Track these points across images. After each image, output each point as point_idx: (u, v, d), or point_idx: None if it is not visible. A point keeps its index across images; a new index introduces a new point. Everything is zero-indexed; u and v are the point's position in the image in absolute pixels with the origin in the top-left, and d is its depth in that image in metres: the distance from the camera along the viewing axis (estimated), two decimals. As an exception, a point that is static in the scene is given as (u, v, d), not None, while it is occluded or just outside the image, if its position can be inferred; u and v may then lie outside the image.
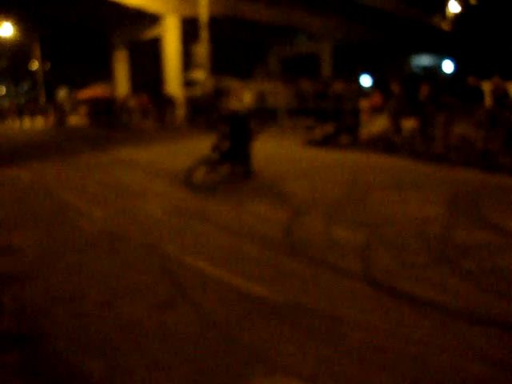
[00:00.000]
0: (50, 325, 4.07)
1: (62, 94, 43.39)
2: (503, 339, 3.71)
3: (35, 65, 42.57)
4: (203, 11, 24.75)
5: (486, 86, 14.01)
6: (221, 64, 35.42)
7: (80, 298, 4.56)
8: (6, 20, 35.03)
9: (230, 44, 41.01)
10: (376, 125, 15.96)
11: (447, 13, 56.83)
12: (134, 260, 5.54)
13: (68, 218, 7.52)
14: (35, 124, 33.27)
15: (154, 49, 33.48)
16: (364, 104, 16.81)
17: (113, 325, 4.03)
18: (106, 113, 28.33)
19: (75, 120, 32.55)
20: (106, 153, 15.26)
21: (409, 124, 14.71)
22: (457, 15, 56.97)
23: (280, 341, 3.72)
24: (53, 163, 13.27)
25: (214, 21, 26.63)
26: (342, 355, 3.51)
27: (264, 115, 20.50)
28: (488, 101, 13.81)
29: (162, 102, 26.52)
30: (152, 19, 29.80)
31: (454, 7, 56.44)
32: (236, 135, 9.80)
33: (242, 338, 3.78)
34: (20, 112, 32.59)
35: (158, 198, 8.72)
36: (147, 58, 37.16)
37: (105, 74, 41.17)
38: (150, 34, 31.83)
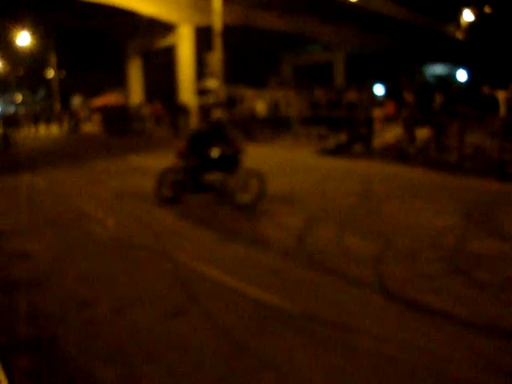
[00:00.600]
0: (62, 330, 4.09)
1: (76, 101, 43.81)
2: (518, 351, 3.67)
3: (51, 73, 43.03)
4: (217, 20, 24.87)
5: (501, 95, 13.95)
6: (234, 72, 35.58)
7: (92, 304, 4.58)
8: (23, 29, 35.48)
9: (243, 52, 41.18)
10: (389, 134, 15.92)
11: (461, 22, 56.69)
12: (147, 267, 5.56)
13: (81, 224, 7.57)
14: (50, 131, 33.61)
15: (167, 57, 33.68)
16: (377, 113, 16.78)
17: (124, 331, 4.04)
18: (119, 120, 28.52)
19: (89, 127, 32.84)
20: (120, 160, 15.36)
21: (423, 133, 14.63)
22: (471, 24, 56.79)
23: (292, 350, 3.71)
24: (67, 170, 13.38)
25: (227, 29, 26.75)
26: (355, 366, 3.48)
27: (277, 123, 20.55)
28: (502, 110, 13.75)
29: (176, 110, 26.65)
30: (166, 28, 30.00)
31: (467, 16, 56.31)
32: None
33: (254, 346, 3.77)
34: (35, 119, 32.93)
35: (171, 205, 8.73)
36: (161, 66, 37.39)
37: (119, 82, 41.50)
38: (164, 42, 32.04)
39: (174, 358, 3.64)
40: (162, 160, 15.03)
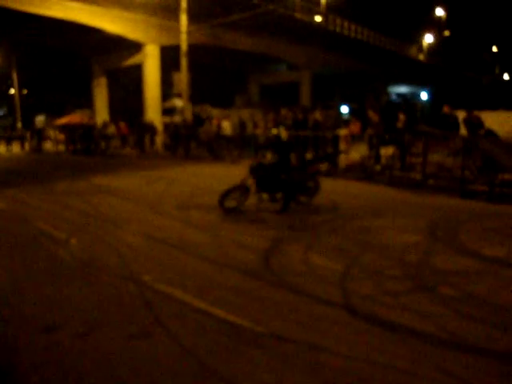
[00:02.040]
0: (22, 358, 3.96)
1: (39, 120, 43.13)
2: (482, 366, 3.71)
3: (12, 91, 42.38)
4: (183, 40, 24.98)
5: (461, 115, 14.31)
6: (201, 92, 35.66)
7: (55, 329, 4.45)
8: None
9: (210, 72, 41.39)
10: (355, 153, 16.12)
11: (423, 44, 58.36)
12: (112, 289, 5.44)
13: (44, 246, 7.38)
14: (11, 150, 32.92)
15: (133, 76, 33.59)
16: (343, 132, 16.99)
17: (88, 357, 3.93)
18: (84, 139, 28.15)
19: (53, 147, 32.30)
20: (84, 180, 15.11)
21: (387, 152, 14.88)
22: (431, 46, 58.49)
23: (258, 369, 3.67)
24: (29, 190, 13.07)
25: (194, 49, 26.88)
26: (322, 385, 3.46)
27: (244, 143, 20.60)
28: (463, 129, 14.09)
29: (142, 129, 26.50)
30: (132, 47, 29.94)
31: (428, 38, 58.06)
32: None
33: (220, 367, 3.72)
34: (-4, 138, 32.20)
35: (135, 225, 8.62)
36: (127, 85, 37.24)
37: (84, 100, 41.12)
38: (130, 61, 31.93)
39: (139, 381, 3.55)
40: (126, 180, 14.91)
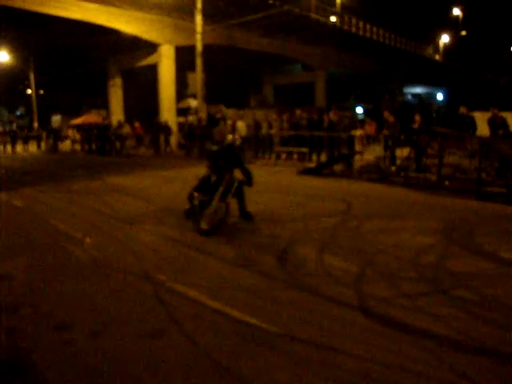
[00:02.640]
0: (39, 354, 4.00)
1: (55, 120, 43.55)
2: (498, 370, 3.67)
3: (29, 91, 42.81)
4: (198, 40, 25.06)
5: (480, 116, 14.23)
6: (216, 92, 35.74)
7: (70, 327, 4.48)
8: (1, 46, 35.36)
9: (225, 72, 41.48)
10: (370, 154, 16.06)
11: (439, 44, 57.95)
12: (126, 288, 5.47)
13: (59, 245, 7.45)
14: (28, 149, 33.28)
15: (148, 76, 33.77)
16: (358, 133, 16.94)
17: (103, 354, 3.96)
18: (99, 139, 28.39)
19: (69, 146, 32.60)
20: (99, 179, 15.24)
21: (403, 153, 14.81)
22: (448, 46, 58.04)
23: (272, 370, 3.67)
24: (45, 189, 13.21)
25: (209, 49, 26.95)
26: (336, 386, 3.45)
27: (258, 143, 20.61)
28: (485, 129, 14.00)
29: (156, 129, 26.62)
30: (147, 47, 30.10)
31: (444, 38, 57.65)
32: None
33: (234, 367, 3.72)
34: (13, 137, 32.53)
35: (150, 225, 8.67)
36: (142, 85, 37.46)
37: (100, 101, 41.44)
38: (146, 61, 32.09)
39: (154, 380, 3.57)
40: (141, 180, 15.00)
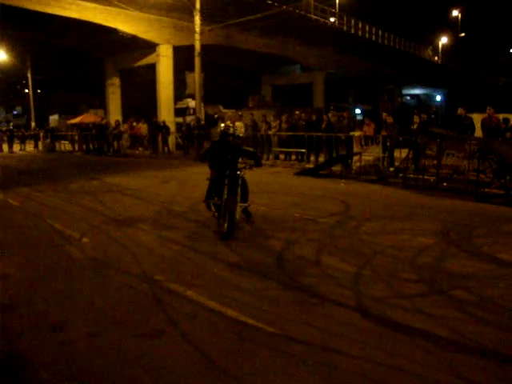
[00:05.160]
0: (35, 354, 3.97)
1: (53, 119, 43.47)
2: (495, 370, 3.66)
3: (27, 90, 42.73)
4: (197, 40, 25.03)
5: (478, 118, 14.23)
6: (214, 92, 35.73)
7: (67, 327, 4.46)
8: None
9: (223, 73, 41.48)
10: (369, 154, 16.05)
11: (438, 45, 58.04)
12: (124, 288, 5.44)
13: (57, 245, 7.42)
14: (25, 149, 33.21)
15: (147, 76, 33.72)
16: (356, 134, 16.93)
17: (99, 355, 3.93)
18: (97, 139, 28.34)
19: (66, 146, 32.54)
20: (97, 179, 15.20)
21: (401, 154, 14.81)
22: (446, 47, 58.11)
23: (270, 370, 3.65)
24: (42, 189, 13.17)
25: (207, 49, 26.91)
26: (334, 387, 3.43)
27: (256, 143, 20.59)
28: (480, 132, 14.01)
29: (154, 129, 26.57)
30: (146, 46, 30.01)
31: (443, 40, 57.73)
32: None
33: (231, 367, 3.70)
34: (10, 137, 32.42)
35: (148, 225, 8.64)
36: (140, 85, 37.42)
37: (98, 100, 41.40)
38: (144, 61, 31.99)
39: (151, 380, 3.55)
40: (139, 180, 14.96)
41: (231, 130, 8.77)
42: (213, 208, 8.13)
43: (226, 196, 7.68)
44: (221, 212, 7.72)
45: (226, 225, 7.56)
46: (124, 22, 27.71)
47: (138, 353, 3.95)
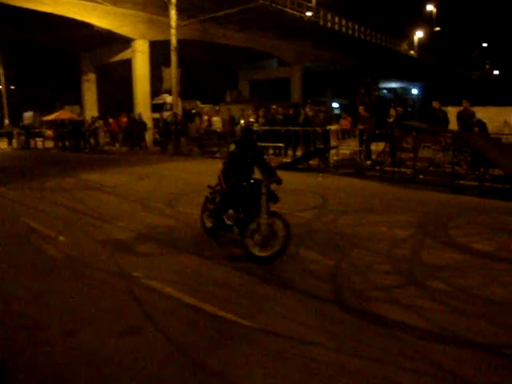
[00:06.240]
0: (10, 355, 3.91)
1: (27, 116, 42.76)
2: (472, 359, 3.72)
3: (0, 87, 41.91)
4: (173, 35, 24.85)
5: (453, 111, 14.40)
6: (191, 87, 35.51)
7: (43, 326, 4.40)
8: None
9: (200, 68, 41.23)
10: (346, 148, 16.13)
11: (414, 39, 58.51)
12: (101, 286, 5.39)
13: (32, 243, 7.30)
14: (-1, 146, 32.68)
15: (123, 72, 33.32)
16: (333, 127, 16.99)
17: (77, 354, 3.89)
18: (73, 136, 27.97)
19: (42, 143, 32.07)
20: (73, 176, 15.00)
21: (378, 147, 14.92)
22: (422, 42, 58.63)
23: (249, 365, 3.65)
24: (17, 187, 12.95)
25: (184, 44, 26.73)
26: (312, 378, 3.46)
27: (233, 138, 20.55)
28: (454, 125, 14.17)
29: (131, 125, 26.33)
30: (121, 42, 29.68)
31: (419, 34, 58.24)
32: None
33: (210, 362, 3.70)
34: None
35: (125, 222, 8.56)
36: (116, 81, 37.00)
37: (74, 97, 40.84)
38: (119, 56, 31.64)
39: (128, 378, 3.52)
40: (116, 176, 14.82)
41: (255, 126, 7.11)
42: (228, 222, 6.74)
43: (264, 208, 6.31)
44: (247, 229, 6.22)
45: (273, 248, 6.04)
46: (99, 17, 27.35)
47: (114, 350, 3.92)
